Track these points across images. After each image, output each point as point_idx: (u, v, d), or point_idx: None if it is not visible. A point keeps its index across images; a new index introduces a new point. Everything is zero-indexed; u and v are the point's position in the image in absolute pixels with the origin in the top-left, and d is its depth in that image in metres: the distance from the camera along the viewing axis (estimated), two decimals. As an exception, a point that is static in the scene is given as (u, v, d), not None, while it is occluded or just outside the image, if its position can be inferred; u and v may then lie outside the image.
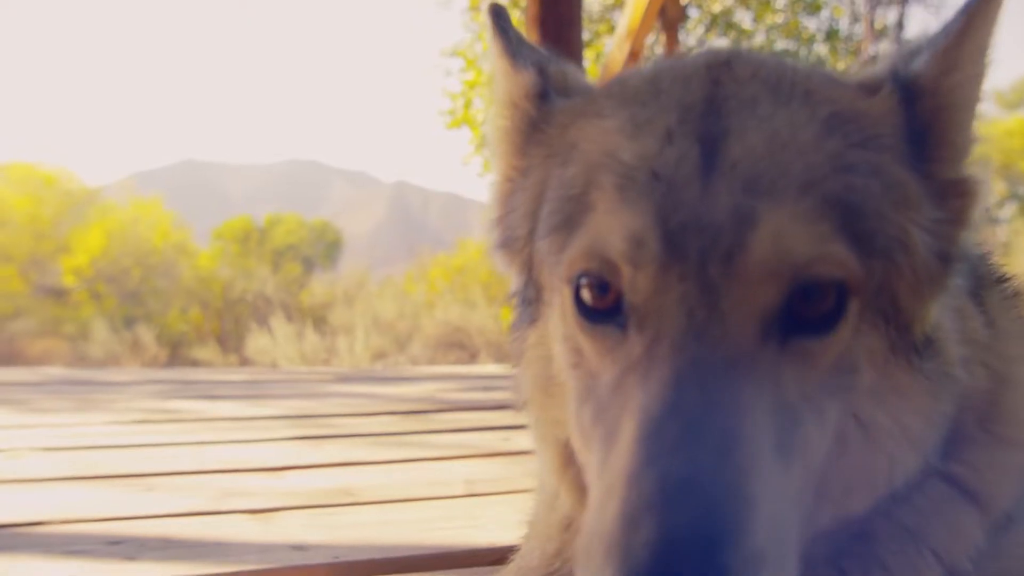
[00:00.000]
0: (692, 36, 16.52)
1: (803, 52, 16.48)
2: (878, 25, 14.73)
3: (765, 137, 0.92)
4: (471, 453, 3.16)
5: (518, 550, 1.28)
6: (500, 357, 11.53)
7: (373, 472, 2.85)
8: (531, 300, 1.11)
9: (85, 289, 18.75)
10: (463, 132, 15.42)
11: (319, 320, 15.70)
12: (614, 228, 0.91)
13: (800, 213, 0.87)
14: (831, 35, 16.24)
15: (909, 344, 0.95)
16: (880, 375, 0.94)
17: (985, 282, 1.15)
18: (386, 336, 14.79)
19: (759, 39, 16.64)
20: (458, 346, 13.78)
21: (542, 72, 1.17)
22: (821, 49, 16.52)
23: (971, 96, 1.02)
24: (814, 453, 0.89)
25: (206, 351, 15.45)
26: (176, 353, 15.80)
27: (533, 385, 1.10)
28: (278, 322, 14.66)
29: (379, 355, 14.03)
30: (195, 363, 14.60)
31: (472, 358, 12.97)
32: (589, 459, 0.93)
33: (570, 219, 0.98)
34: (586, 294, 0.95)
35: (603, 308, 0.94)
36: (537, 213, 1.07)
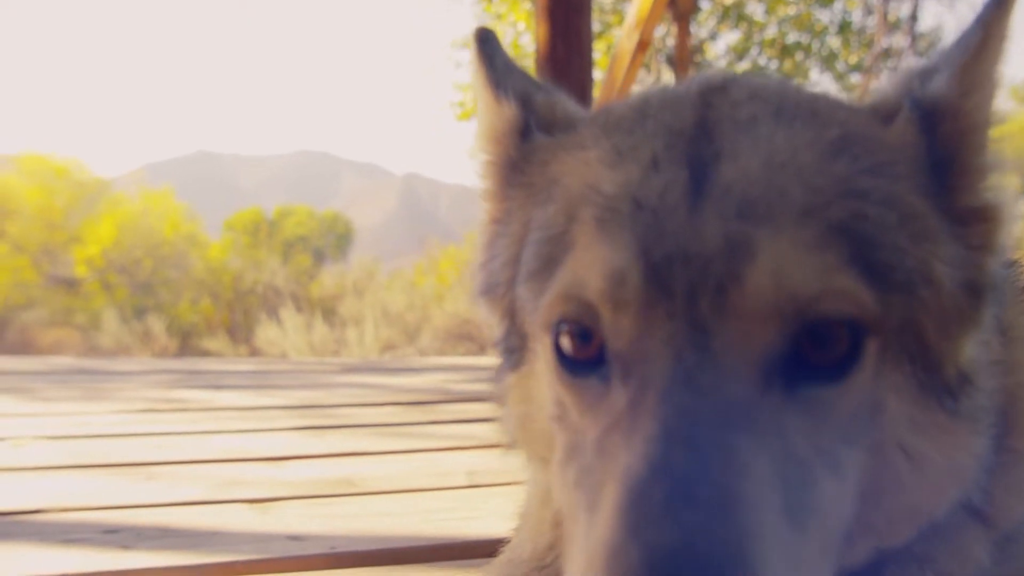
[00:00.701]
0: (704, 28, 16.44)
1: (815, 45, 16.37)
2: (891, 18, 14.58)
3: (762, 159, 0.82)
4: (475, 444, 3.14)
5: (508, 542, 1.26)
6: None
7: (375, 462, 2.84)
8: (514, 348, 1.02)
9: (96, 280, 18.82)
10: (473, 124, 15.40)
11: (329, 312, 15.73)
12: (592, 265, 0.82)
13: (802, 241, 0.77)
14: (844, 27, 16.10)
15: (940, 384, 0.85)
16: (917, 409, 0.84)
17: (1006, 294, 1.02)
18: (395, 328, 14.80)
19: (771, 31, 16.54)
20: (467, 338, 13.77)
21: (526, 104, 1.07)
22: (834, 42, 16.40)
23: (989, 114, 0.93)
24: (835, 511, 0.78)
25: (216, 342, 15.51)
26: (186, 344, 15.85)
27: (518, 426, 1.03)
28: (288, 313, 14.68)
29: (388, 347, 14.04)
30: (205, 354, 14.64)
31: (481, 350, 12.95)
32: (573, 529, 0.82)
33: (550, 261, 0.89)
34: (566, 343, 0.85)
35: (585, 358, 0.84)
36: (518, 258, 0.98)
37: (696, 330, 0.76)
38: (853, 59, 16.18)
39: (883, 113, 0.92)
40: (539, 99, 1.08)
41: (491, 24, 15.25)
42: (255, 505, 2.25)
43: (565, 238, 0.87)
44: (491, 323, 1.08)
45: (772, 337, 0.77)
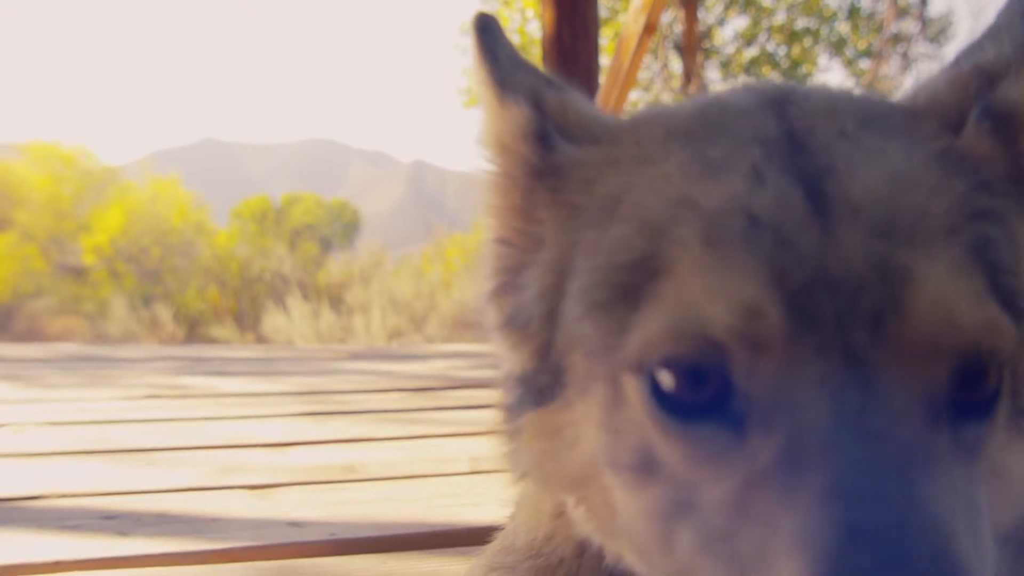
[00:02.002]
0: (711, 14, 16.35)
1: (824, 30, 16.26)
2: (901, 3, 14.46)
3: (884, 174, 0.72)
4: (479, 430, 3.11)
5: (502, 529, 1.22)
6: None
7: (378, 448, 2.81)
8: (544, 386, 0.87)
9: (104, 268, 18.85)
10: (480, 111, 15.33)
11: (335, 299, 15.70)
12: (713, 295, 0.69)
13: (954, 264, 0.68)
14: (853, 13, 15.99)
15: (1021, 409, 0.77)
16: (1007, 431, 0.75)
17: None
18: (402, 315, 14.78)
19: (780, 17, 16.44)
20: (474, 325, 13.76)
21: (538, 105, 0.92)
22: (843, 27, 16.29)
23: None
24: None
25: (223, 329, 15.50)
26: (193, 331, 15.85)
27: (537, 463, 0.90)
28: (295, 301, 14.67)
29: (395, 334, 14.02)
30: (212, 341, 14.66)
31: (487, 337, 12.94)
32: None
33: (628, 291, 0.75)
34: (669, 385, 0.72)
35: (698, 403, 0.71)
36: (561, 288, 0.84)
37: (854, 367, 0.66)
38: (862, 45, 16.09)
39: (944, 120, 0.83)
40: (549, 98, 0.93)
41: (497, 10, 15.19)
42: (255, 491, 2.23)
43: (651, 263, 0.74)
44: (510, 358, 0.94)
45: (937, 372, 0.68)
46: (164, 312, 15.48)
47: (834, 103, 0.82)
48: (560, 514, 1.04)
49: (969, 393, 0.69)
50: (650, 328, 0.72)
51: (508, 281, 0.93)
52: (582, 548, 1.01)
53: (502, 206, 0.94)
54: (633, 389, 0.74)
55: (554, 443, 0.85)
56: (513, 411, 0.92)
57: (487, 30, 0.98)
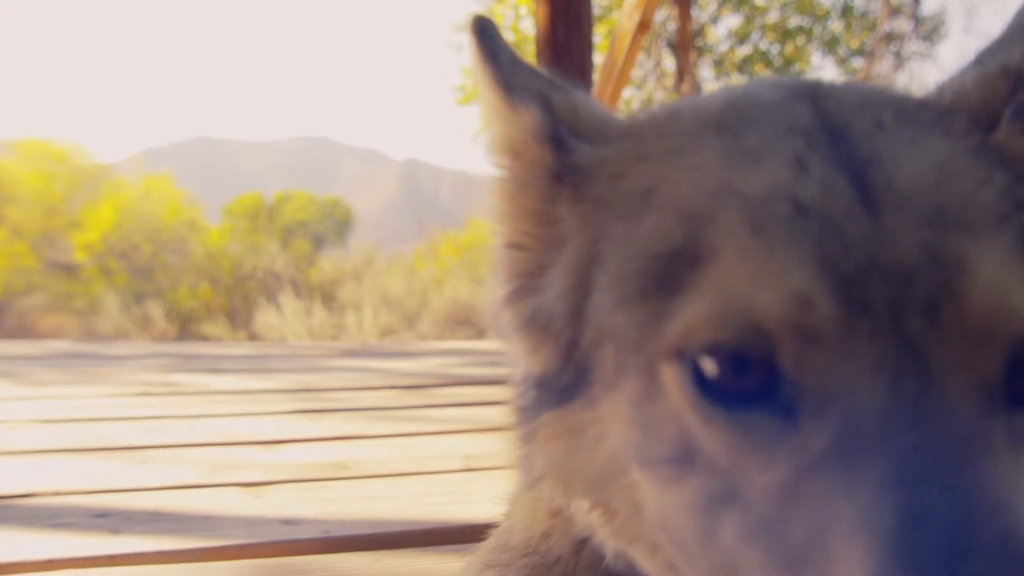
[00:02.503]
0: (705, 12, 16.35)
1: (817, 29, 16.29)
2: (894, 1, 14.49)
3: (929, 163, 0.73)
4: (471, 427, 3.11)
5: (496, 527, 1.22)
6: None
7: (370, 446, 2.81)
8: (568, 385, 0.86)
9: (96, 265, 18.79)
10: (474, 108, 15.34)
11: (328, 297, 15.68)
12: (762, 282, 0.68)
13: (1007, 253, 0.69)
14: (846, 11, 16.02)
15: None
16: None
17: None
18: (395, 313, 14.77)
19: (773, 15, 16.46)
20: (466, 323, 13.74)
21: (547, 107, 0.91)
22: (836, 26, 16.32)
23: None
24: None
25: (215, 327, 15.46)
26: (185, 329, 15.81)
27: (555, 464, 0.88)
28: (287, 298, 14.64)
29: (387, 331, 14.01)
30: (204, 338, 14.62)
31: (480, 335, 12.92)
32: None
33: (666, 280, 0.74)
34: (712, 372, 0.71)
35: (743, 391, 0.70)
36: (587, 284, 0.83)
37: (909, 354, 0.65)
38: (855, 43, 16.11)
39: (974, 117, 0.83)
40: (558, 99, 0.93)
41: (491, 7, 15.18)
42: (248, 489, 2.23)
43: (689, 252, 0.73)
44: (528, 361, 0.93)
45: (992, 359, 0.67)
46: (156, 309, 15.44)
47: (865, 97, 0.83)
48: (558, 512, 1.05)
49: (1021, 381, 0.69)
50: (693, 313, 0.71)
51: (525, 284, 0.92)
52: (580, 546, 1.01)
53: (514, 211, 0.94)
54: (672, 378, 0.73)
55: (575, 443, 0.84)
56: (528, 413, 0.91)
57: (486, 33, 0.97)
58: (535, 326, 0.90)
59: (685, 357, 0.72)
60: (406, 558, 1.73)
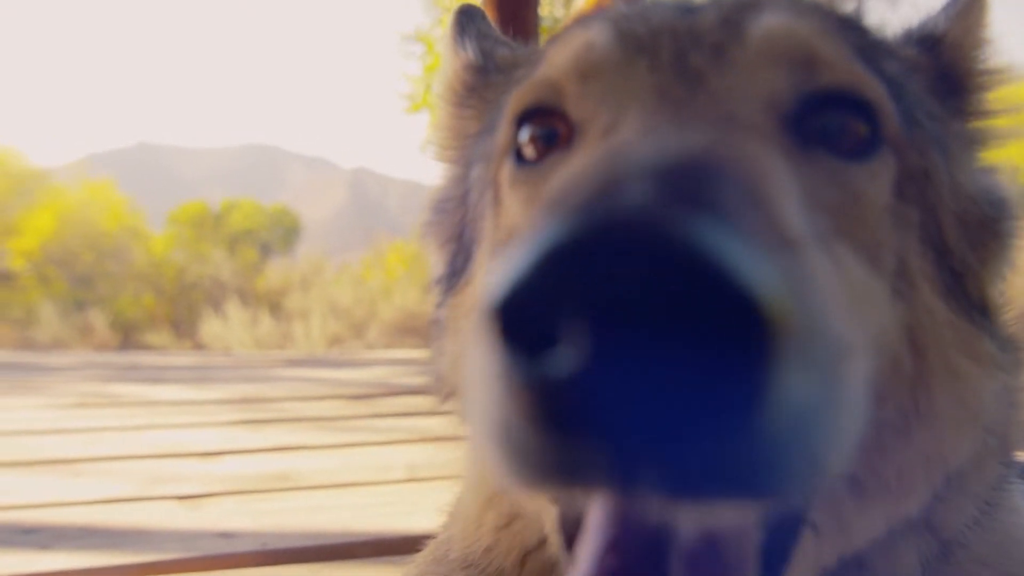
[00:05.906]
0: None
1: None
2: None
3: None
4: (416, 438, 3.09)
5: (435, 538, 1.19)
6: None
7: (313, 457, 2.77)
8: (459, 269, 0.93)
9: (34, 273, 18.32)
10: (422, 117, 15.28)
11: (275, 306, 15.48)
12: (562, 49, 0.78)
13: (808, 16, 0.76)
14: None
15: (966, 297, 0.78)
16: (949, 313, 0.76)
17: None
18: (342, 322, 14.63)
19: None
20: (414, 332, 13.66)
21: (486, 54, 1.06)
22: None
23: (981, 44, 0.94)
24: (872, 311, 0.67)
25: (159, 336, 15.17)
26: (128, 338, 15.49)
27: (454, 366, 0.91)
28: (233, 307, 14.43)
29: (335, 341, 13.86)
30: (147, 348, 14.33)
31: (428, 344, 12.87)
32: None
33: (517, 83, 0.86)
34: (525, 144, 0.79)
35: (544, 154, 0.77)
36: (470, 159, 0.96)
37: (687, 81, 0.68)
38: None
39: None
40: (501, 52, 1.06)
41: (440, 17, 15.13)
42: (185, 501, 2.18)
43: (534, 63, 0.86)
44: (435, 260, 1.04)
45: (780, 83, 0.71)
46: (98, 318, 15.11)
47: None
48: (506, 525, 1.02)
49: (838, 133, 0.72)
50: (514, 95, 0.81)
51: (441, 195, 1.05)
52: (524, 560, 0.99)
53: (443, 122, 1.08)
54: (503, 174, 0.82)
55: (466, 323, 0.89)
56: (437, 315, 1.00)
57: (470, 15, 1.11)
58: (441, 213, 1.03)
59: (514, 123, 0.80)
60: (344, 570, 1.70)
